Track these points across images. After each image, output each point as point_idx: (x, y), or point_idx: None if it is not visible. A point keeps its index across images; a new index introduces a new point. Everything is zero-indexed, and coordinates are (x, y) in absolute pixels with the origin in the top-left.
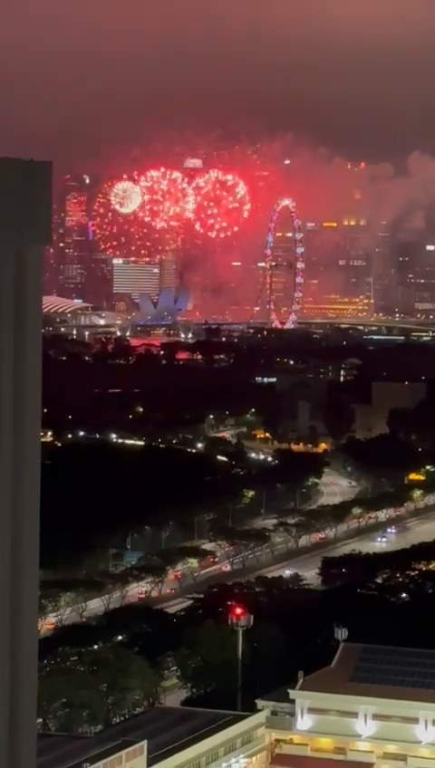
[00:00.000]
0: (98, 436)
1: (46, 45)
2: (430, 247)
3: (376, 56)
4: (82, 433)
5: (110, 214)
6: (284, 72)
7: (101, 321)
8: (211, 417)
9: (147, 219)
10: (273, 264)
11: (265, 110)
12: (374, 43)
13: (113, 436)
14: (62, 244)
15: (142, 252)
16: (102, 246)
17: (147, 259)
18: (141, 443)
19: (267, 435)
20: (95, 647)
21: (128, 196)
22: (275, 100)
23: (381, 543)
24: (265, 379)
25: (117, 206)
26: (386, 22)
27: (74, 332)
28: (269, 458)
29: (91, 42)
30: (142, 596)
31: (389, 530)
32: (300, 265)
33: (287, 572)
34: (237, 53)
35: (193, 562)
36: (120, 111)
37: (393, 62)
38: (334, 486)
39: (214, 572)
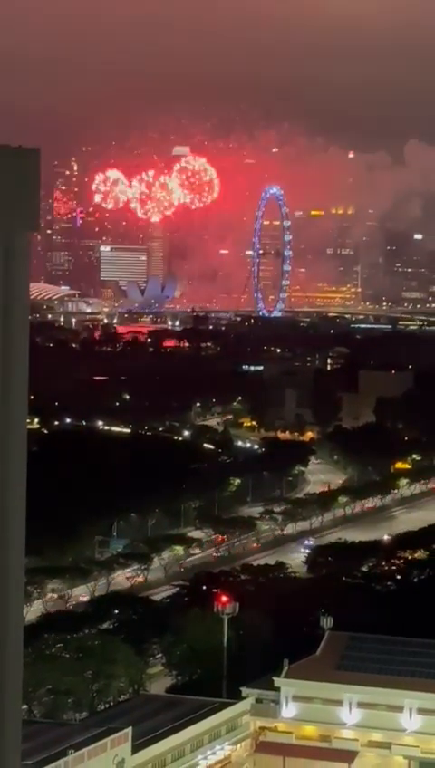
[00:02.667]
0: (84, 423)
1: (38, 26)
2: (417, 236)
3: (373, 43)
4: (68, 420)
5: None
6: (277, 59)
7: (89, 309)
8: (198, 404)
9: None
10: (260, 252)
11: (260, 98)
12: (371, 30)
13: (100, 423)
14: (49, 231)
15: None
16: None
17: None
18: (128, 430)
19: (254, 423)
20: (81, 633)
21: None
22: (270, 87)
23: (300, 556)
24: (252, 368)
25: (102, 203)
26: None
27: (61, 319)
28: (256, 446)
29: (86, 25)
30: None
31: (306, 541)
32: (288, 253)
33: (273, 560)
34: (233, 41)
35: (179, 550)
36: (112, 97)
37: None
38: (320, 475)
39: (200, 560)
